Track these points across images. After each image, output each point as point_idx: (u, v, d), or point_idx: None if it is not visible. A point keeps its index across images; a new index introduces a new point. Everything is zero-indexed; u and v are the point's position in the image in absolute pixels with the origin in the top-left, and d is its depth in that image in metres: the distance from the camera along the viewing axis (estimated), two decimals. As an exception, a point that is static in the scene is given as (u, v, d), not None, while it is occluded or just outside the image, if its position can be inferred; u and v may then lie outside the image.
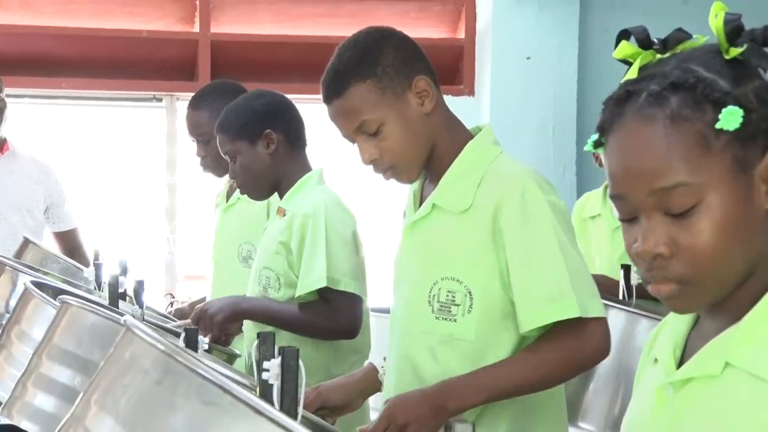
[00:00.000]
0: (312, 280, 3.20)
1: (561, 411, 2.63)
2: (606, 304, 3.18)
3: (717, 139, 1.48)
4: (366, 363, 2.88)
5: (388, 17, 5.04)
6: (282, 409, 2.07)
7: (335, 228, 3.27)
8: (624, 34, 1.63)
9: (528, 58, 5.26)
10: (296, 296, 3.26)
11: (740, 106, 1.48)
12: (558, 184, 4.42)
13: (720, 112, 1.47)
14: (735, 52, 1.49)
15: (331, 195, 3.38)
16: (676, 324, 1.67)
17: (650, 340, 1.72)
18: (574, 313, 2.33)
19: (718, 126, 1.46)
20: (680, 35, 1.60)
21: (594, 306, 2.35)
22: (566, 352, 2.39)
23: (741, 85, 1.50)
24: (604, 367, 3.23)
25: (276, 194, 3.45)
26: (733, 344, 1.53)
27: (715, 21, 1.52)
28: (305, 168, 3.46)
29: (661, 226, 1.51)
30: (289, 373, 2.08)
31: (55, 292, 3.18)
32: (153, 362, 1.65)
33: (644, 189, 1.52)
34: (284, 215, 3.35)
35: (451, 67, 5.48)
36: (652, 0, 5.00)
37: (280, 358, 2.07)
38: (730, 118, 1.46)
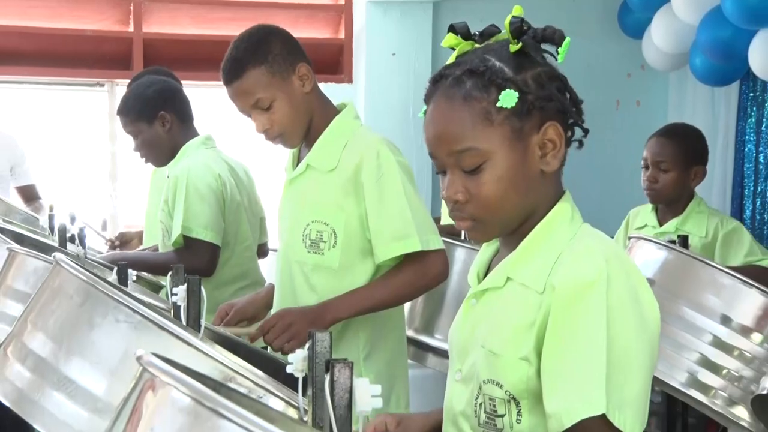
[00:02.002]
0: (174, 229, 3.23)
1: (401, 324, 2.69)
2: (451, 243, 3.22)
3: (498, 114, 1.54)
4: (267, 284, 2.97)
5: (283, 21, 4.99)
6: (188, 324, 2.06)
7: (195, 186, 3.23)
8: (452, 29, 1.66)
9: (393, 54, 5.28)
10: (171, 243, 3.27)
11: (518, 89, 1.53)
12: (417, 154, 4.50)
13: (501, 91, 1.53)
14: (514, 47, 1.55)
15: (201, 158, 3.33)
16: (484, 254, 1.72)
17: (470, 269, 1.75)
18: (416, 247, 2.40)
19: (498, 104, 1.52)
20: (492, 29, 1.65)
21: (434, 241, 2.42)
22: (413, 277, 2.44)
23: (522, 72, 1.55)
24: (451, 291, 3.26)
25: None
26: (511, 264, 1.60)
27: (506, 22, 1.57)
28: (190, 134, 3.44)
29: (459, 179, 1.57)
30: (193, 296, 2.07)
31: (15, 237, 3.12)
32: (76, 289, 1.63)
33: (445, 150, 1.58)
34: (167, 177, 3.37)
35: (333, 60, 5.48)
36: (491, 8, 5.05)
37: (185, 285, 2.06)
38: (507, 98, 1.53)
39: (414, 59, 5.20)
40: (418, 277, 2.44)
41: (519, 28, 1.56)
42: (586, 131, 1.61)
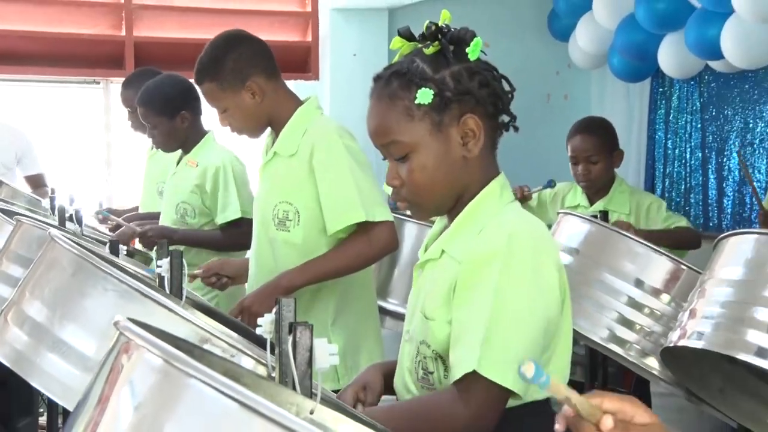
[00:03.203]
0: (230, 212, 3.22)
1: (369, 290, 2.65)
2: (403, 219, 3.20)
3: (418, 110, 1.53)
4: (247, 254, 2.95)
5: (258, 26, 4.99)
6: (171, 292, 2.02)
7: (240, 175, 3.29)
8: (398, 33, 1.63)
9: (354, 54, 5.26)
10: (218, 225, 3.28)
11: (435, 87, 1.52)
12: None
13: (419, 89, 1.53)
14: (430, 50, 1.53)
15: (226, 150, 3.38)
16: (435, 228, 1.71)
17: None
18: (361, 218, 2.36)
19: (416, 102, 1.50)
20: (435, 32, 1.60)
21: (380, 213, 2.37)
22: (360, 247, 2.40)
23: (440, 71, 1.53)
24: (404, 261, 3.24)
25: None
26: (446, 238, 1.59)
27: (424, 27, 1.56)
28: (201, 130, 3.43)
29: (394, 166, 1.58)
30: (176, 268, 2.02)
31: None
32: (69, 262, 1.61)
33: (378, 142, 1.59)
34: (196, 165, 3.33)
35: (302, 60, 5.43)
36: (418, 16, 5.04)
37: (169, 258, 2.02)
38: (423, 96, 1.52)
39: (372, 59, 5.15)
40: (365, 246, 2.39)
41: (433, 33, 1.55)
42: (513, 118, 1.59)
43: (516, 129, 1.59)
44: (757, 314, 2.11)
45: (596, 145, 3.55)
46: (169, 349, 0.82)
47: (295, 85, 5.49)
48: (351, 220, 2.36)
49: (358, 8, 5.30)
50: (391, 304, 3.26)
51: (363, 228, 2.37)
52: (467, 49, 1.52)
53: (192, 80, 3.39)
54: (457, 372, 1.45)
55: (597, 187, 3.61)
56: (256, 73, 2.46)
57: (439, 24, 1.55)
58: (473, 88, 1.52)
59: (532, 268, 1.48)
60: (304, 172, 2.41)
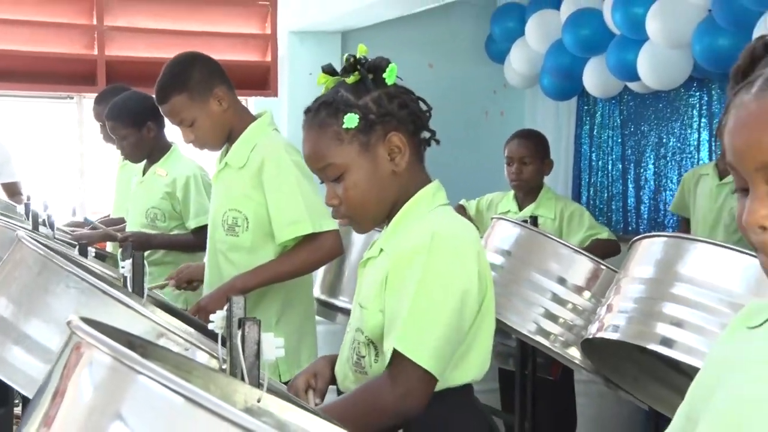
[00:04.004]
0: (201, 218, 3.16)
1: (309, 295, 2.64)
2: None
3: (346, 134, 1.55)
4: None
5: (221, 47, 4.96)
6: (133, 291, 1.98)
7: (207, 184, 3.24)
8: (323, 69, 1.66)
9: (310, 73, 5.20)
10: (189, 228, 3.29)
11: (360, 112, 1.54)
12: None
13: (345, 116, 1.54)
14: (351, 79, 1.54)
15: (195, 162, 3.38)
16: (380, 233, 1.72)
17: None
18: (308, 230, 2.34)
19: (344, 127, 1.51)
20: (351, 66, 1.61)
21: (326, 224, 2.35)
22: (308, 254, 2.39)
23: (362, 97, 1.55)
24: (354, 259, 3.23)
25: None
26: (383, 238, 1.62)
27: (344, 59, 1.58)
28: (166, 143, 3.41)
29: (331, 187, 1.59)
30: (138, 268, 1.99)
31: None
32: (34, 261, 1.56)
33: (314, 167, 1.61)
34: (165, 174, 3.31)
35: (262, 79, 5.38)
36: (388, 37, 5.04)
37: (131, 261, 1.98)
38: (349, 121, 1.53)
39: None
40: (312, 253, 2.38)
41: (352, 64, 1.57)
42: (433, 133, 1.62)
43: (437, 142, 1.63)
44: (665, 309, 2.13)
45: (530, 149, 3.60)
46: (117, 347, 0.80)
47: (255, 101, 5.47)
48: (300, 232, 2.35)
49: (313, 31, 5.28)
50: (341, 302, 3.25)
51: (310, 237, 2.36)
52: (384, 75, 1.55)
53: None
54: (387, 356, 1.49)
55: (526, 188, 3.63)
56: (219, 83, 2.44)
57: (357, 56, 1.57)
58: (393, 109, 1.55)
59: (451, 262, 1.51)
60: (253, 183, 2.40)
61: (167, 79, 2.43)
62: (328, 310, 3.27)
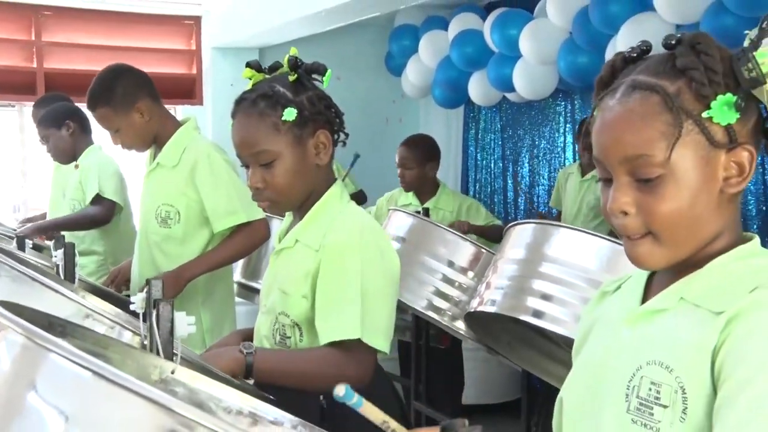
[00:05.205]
0: (89, 192, 3.23)
1: (230, 279, 2.60)
2: (272, 216, 3.14)
3: (283, 126, 1.50)
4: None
5: (152, 61, 4.86)
6: (65, 278, 1.91)
7: (99, 166, 3.25)
8: (248, 65, 1.61)
9: (231, 84, 5.11)
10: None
11: (297, 107, 1.50)
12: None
13: (285, 109, 1.49)
14: (292, 77, 1.50)
15: (105, 156, 3.33)
16: (285, 223, 1.68)
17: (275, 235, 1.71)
18: (243, 220, 2.30)
19: (283, 119, 1.48)
20: (277, 65, 1.58)
21: (257, 212, 2.32)
22: (243, 240, 2.36)
23: (299, 94, 1.51)
24: (271, 249, 3.18)
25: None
26: (299, 230, 1.59)
27: (285, 59, 1.53)
28: (89, 141, 3.37)
29: (258, 172, 1.53)
30: (69, 257, 1.92)
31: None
32: (-31, 254, 1.47)
33: (246, 152, 1.53)
34: (77, 167, 3.28)
35: (189, 89, 5.29)
36: (300, 52, 5.00)
37: (62, 250, 1.91)
38: (289, 114, 1.49)
39: (245, 89, 5.07)
40: (247, 239, 2.35)
41: (294, 64, 1.52)
42: (346, 135, 1.59)
43: (344, 144, 1.60)
44: (534, 285, 2.17)
45: (409, 156, 3.61)
46: (29, 326, 0.77)
47: (183, 109, 5.35)
48: (236, 222, 2.32)
49: (234, 47, 5.18)
50: (260, 285, 3.21)
51: (244, 225, 2.33)
52: (323, 78, 1.53)
53: (80, 105, 3.32)
54: (333, 335, 1.44)
55: (411, 189, 3.66)
56: (142, 97, 2.36)
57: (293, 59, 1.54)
58: (323, 109, 1.52)
59: (381, 254, 1.50)
60: (185, 181, 2.34)
61: (95, 91, 2.36)
62: (249, 292, 3.22)
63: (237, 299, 2.74)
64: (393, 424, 0.82)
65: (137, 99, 2.35)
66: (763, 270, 0.88)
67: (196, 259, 2.32)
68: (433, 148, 3.71)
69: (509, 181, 5.01)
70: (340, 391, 0.80)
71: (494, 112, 5.08)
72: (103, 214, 3.23)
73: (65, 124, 3.29)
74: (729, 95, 0.85)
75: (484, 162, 5.20)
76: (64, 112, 3.32)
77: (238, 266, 3.08)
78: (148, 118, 2.37)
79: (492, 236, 3.39)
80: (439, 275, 2.67)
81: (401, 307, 2.79)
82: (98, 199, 3.22)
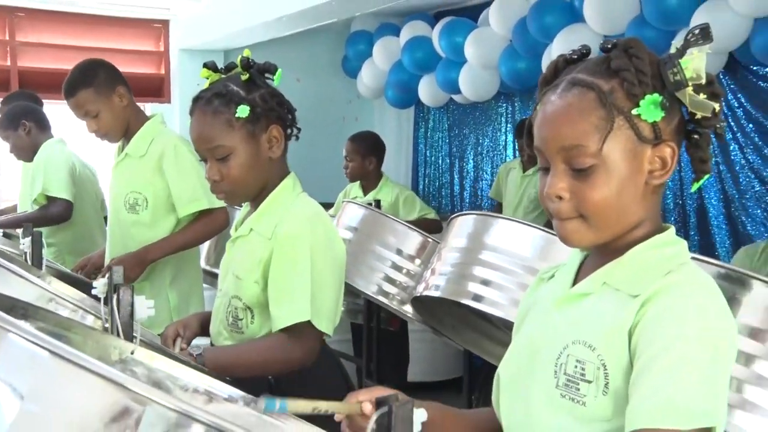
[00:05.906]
0: (38, 191, 3.12)
1: (197, 262, 2.54)
2: (238, 208, 3.11)
3: (237, 122, 1.47)
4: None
5: (123, 61, 4.67)
6: (33, 264, 1.86)
7: (51, 161, 3.14)
8: (205, 66, 1.58)
9: (198, 84, 5.00)
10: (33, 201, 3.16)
11: (249, 104, 1.47)
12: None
13: (238, 106, 1.46)
14: (244, 76, 1.48)
15: (59, 152, 3.23)
16: (242, 213, 1.66)
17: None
18: (205, 206, 2.30)
19: (236, 116, 1.46)
20: (231, 65, 1.56)
21: (218, 201, 2.28)
22: (204, 226, 2.35)
23: (252, 92, 1.48)
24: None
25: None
26: (253, 220, 1.58)
27: (238, 60, 1.50)
28: (48, 137, 3.30)
29: (214, 165, 1.50)
30: (36, 244, 1.88)
31: None
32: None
33: (203, 147, 1.50)
34: (32, 161, 3.23)
35: (158, 88, 5.19)
36: (260, 55, 4.94)
37: (30, 238, 1.86)
38: (242, 111, 1.47)
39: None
40: (207, 225, 2.33)
41: (247, 64, 1.50)
42: (298, 130, 1.58)
43: (297, 138, 1.58)
44: (475, 271, 2.18)
45: (351, 149, 3.70)
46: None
47: (152, 107, 5.24)
48: (198, 207, 2.30)
49: (200, 50, 5.10)
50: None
51: (205, 212, 2.31)
52: (274, 77, 1.51)
53: (53, 102, 3.25)
54: (286, 321, 1.44)
55: (353, 179, 3.73)
56: (120, 83, 2.34)
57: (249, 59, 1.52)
58: (275, 106, 1.50)
59: (329, 242, 1.50)
60: (152, 170, 2.32)
61: (75, 76, 2.31)
62: (213, 278, 3.18)
63: (204, 285, 2.70)
64: (323, 406, 0.81)
65: (117, 83, 2.33)
66: (675, 257, 0.90)
67: (159, 241, 2.29)
68: (375, 144, 3.74)
69: (455, 177, 5.04)
70: (261, 407, 0.77)
71: (442, 112, 5.10)
72: (60, 213, 3.09)
73: (21, 124, 3.22)
74: (656, 95, 0.87)
75: (433, 158, 5.22)
76: (19, 113, 3.23)
77: (203, 253, 3.04)
78: (126, 103, 2.33)
79: (424, 230, 3.40)
80: (388, 263, 2.67)
81: (354, 292, 2.79)
82: (52, 197, 3.10)
